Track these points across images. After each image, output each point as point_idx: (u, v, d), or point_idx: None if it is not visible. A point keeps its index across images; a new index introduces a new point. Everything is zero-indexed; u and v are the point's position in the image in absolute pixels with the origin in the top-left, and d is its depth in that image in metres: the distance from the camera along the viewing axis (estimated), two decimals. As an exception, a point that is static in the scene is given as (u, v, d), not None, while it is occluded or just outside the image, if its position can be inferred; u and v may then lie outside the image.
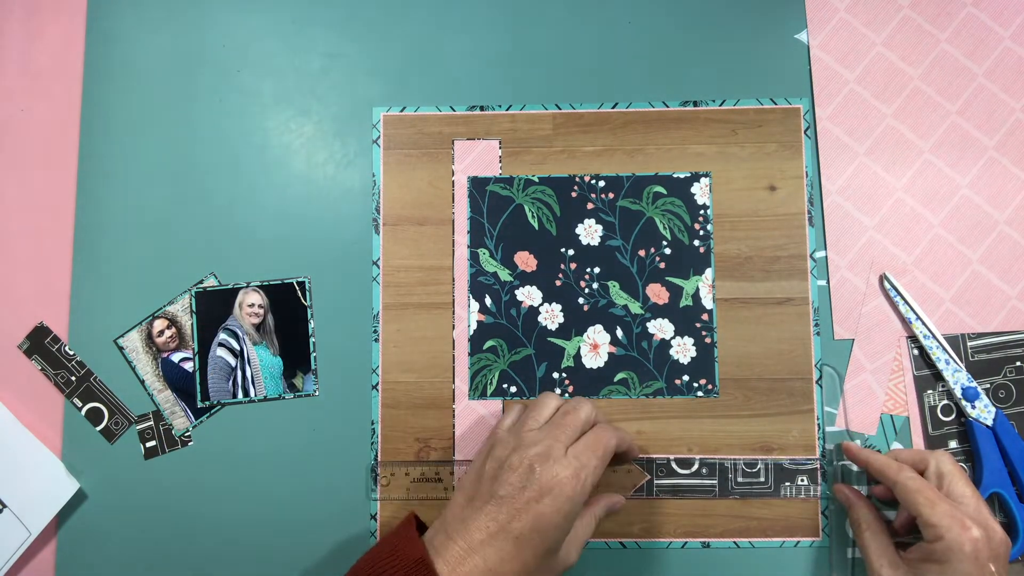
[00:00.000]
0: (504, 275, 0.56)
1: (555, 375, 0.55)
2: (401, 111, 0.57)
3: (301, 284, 0.55)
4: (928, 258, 0.55)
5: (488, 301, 0.56)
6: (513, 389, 0.55)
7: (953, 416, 0.54)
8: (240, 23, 0.58)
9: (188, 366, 0.55)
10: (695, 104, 0.57)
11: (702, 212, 0.56)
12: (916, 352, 0.54)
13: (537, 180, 0.56)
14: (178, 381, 0.55)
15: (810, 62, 0.57)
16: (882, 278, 0.55)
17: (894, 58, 0.57)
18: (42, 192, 0.57)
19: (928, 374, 0.54)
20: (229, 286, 0.54)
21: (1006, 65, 0.57)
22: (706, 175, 0.56)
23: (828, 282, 0.55)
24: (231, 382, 0.54)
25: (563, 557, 0.45)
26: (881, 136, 0.56)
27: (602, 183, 0.56)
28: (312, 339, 0.55)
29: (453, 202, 0.56)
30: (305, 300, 0.54)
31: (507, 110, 0.57)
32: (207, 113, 0.58)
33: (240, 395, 0.54)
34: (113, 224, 0.56)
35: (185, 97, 0.58)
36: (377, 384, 0.55)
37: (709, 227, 0.56)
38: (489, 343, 0.55)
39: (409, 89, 0.58)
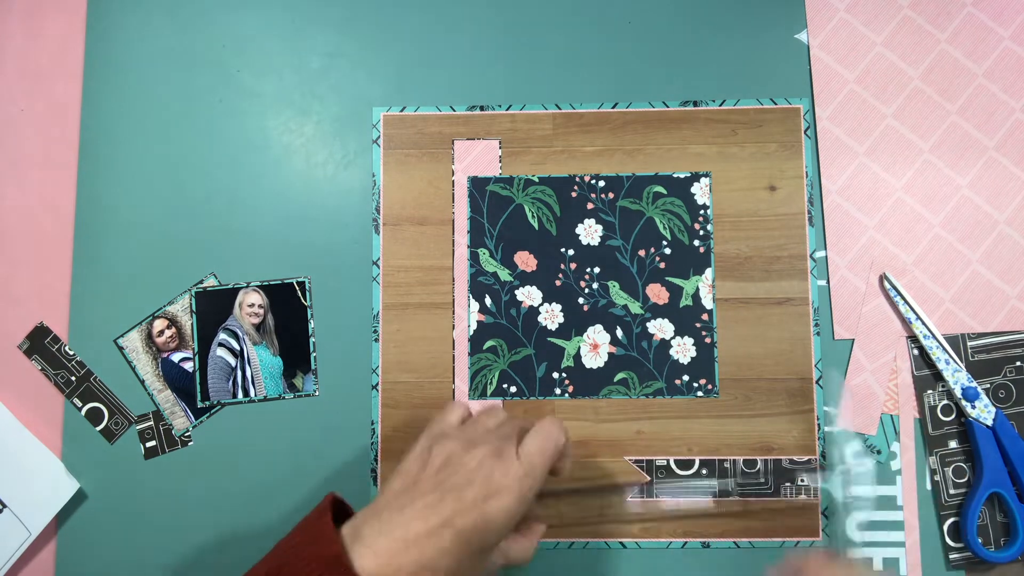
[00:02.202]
0: (504, 275, 0.56)
1: (555, 375, 0.55)
2: (401, 111, 0.57)
3: (301, 284, 0.55)
4: (928, 258, 0.55)
5: (488, 301, 0.56)
6: (513, 389, 0.55)
7: (953, 416, 0.54)
8: (240, 23, 0.58)
9: (188, 366, 0.55)
10: (695, 104, 0.57)
11: (702, 212, 0.56)
12: (916, 352, 0.54)
13: (537, 180, 0.56)
14: (178, 381, 0.55)
15: (810, 62, 0.57)
16: (882, 278, 0.55)
17: (894, 58, 0.57)
18: (42, 192, 0.57)
19: (928, 374, 0.54)
20: (229, 286, 0.54)
21: (1006, 65, 0.57)
22: (706, 175, 0.56)
23: (828, 282, 0.55)
24: (231, 382, 0.54)
25: (495, 558, 0.43)
26: (881, 136, 0.56)
27: (602, 183, 0.56)
28: (312, 339, 0.55)
29: (453, 202, 0.56)
30: (305, 300, 0.54)
31: (507, 110, 0.57)
32: (207, 113, 0.58)
33: (240, 395, 0.54)
34: (113, 224, 0.56)
35: (185, 97, 0.58)
36: (377, 384, 0.55)
37: (709, 227, 0.56)
38: (489, 343, 0.55)
39: (409, 89, 0.58)
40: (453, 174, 0.57)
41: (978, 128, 0.56)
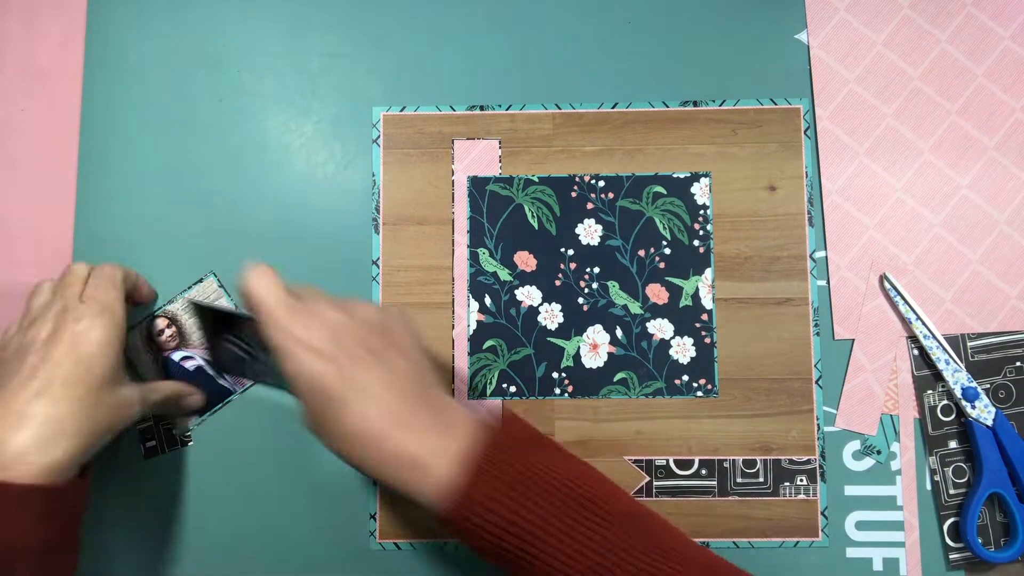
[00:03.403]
0: (504, 275, 0.56)
1: (555, 375, 0.55)
2: (401, 111, 0.57)
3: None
4: (928, 258, 0.55)
5: (488, 301, 0.56)
6: (512, 389, 0.55)
7: (953, 416, 0.54)
8: (240, 23, 0.58)
9: (189, 365, 0.55)
10: (695, 104, 0.57)
11: (702, 212, 0.56)
12: (916, 352, 0.54)
13: (537, 180, 0.56)
14: (179, 379, 0.55)
15: (810, 62, 0.57)
16: (882, 278, 0.55)
17: (894, 58, 0.57)
18: (42, 192, 0.57)
19: (928, 374, 0.54)
20: (219, 301, 0.54)
21: (1006, 65, 0.57)
22: (706, 175, 0.56)
23: (828, 282, 0.55)
24: (241, 370, 0.54)
25: (127, 396, 0.46)
26: (881, 136, 0.56)
27: (602, 183, 0.56)
28: None
29: (453, 202, 0.56)
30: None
31: (507, 110, 0.57)
32: (207, 113, 0.58)
33: (247, 383, 0.55)
34: (113, 224, 0.56)
35: (185, 97, 0.58)
36: (377, 384, 0.55)
37: (709, 227, 0.56)
38: (489, 343, 0.55)
39: (409, 89, 0.58)
40: (453, 174, 0.57)
41: (978, 128, 0.56)
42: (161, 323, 0.55)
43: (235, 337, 0.51)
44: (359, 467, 0.40)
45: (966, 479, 0.54)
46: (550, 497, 0.38)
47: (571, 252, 0.56)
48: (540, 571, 0.37)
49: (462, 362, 0.55)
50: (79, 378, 0.43)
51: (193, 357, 0.55)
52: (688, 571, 0.37)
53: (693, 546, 0.40)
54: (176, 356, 0.55)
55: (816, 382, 0.54)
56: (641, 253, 0.56)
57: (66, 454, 0.41)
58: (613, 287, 0.56)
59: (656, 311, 0.55)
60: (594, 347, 0.55)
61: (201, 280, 0.54)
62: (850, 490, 0.54)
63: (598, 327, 0.55)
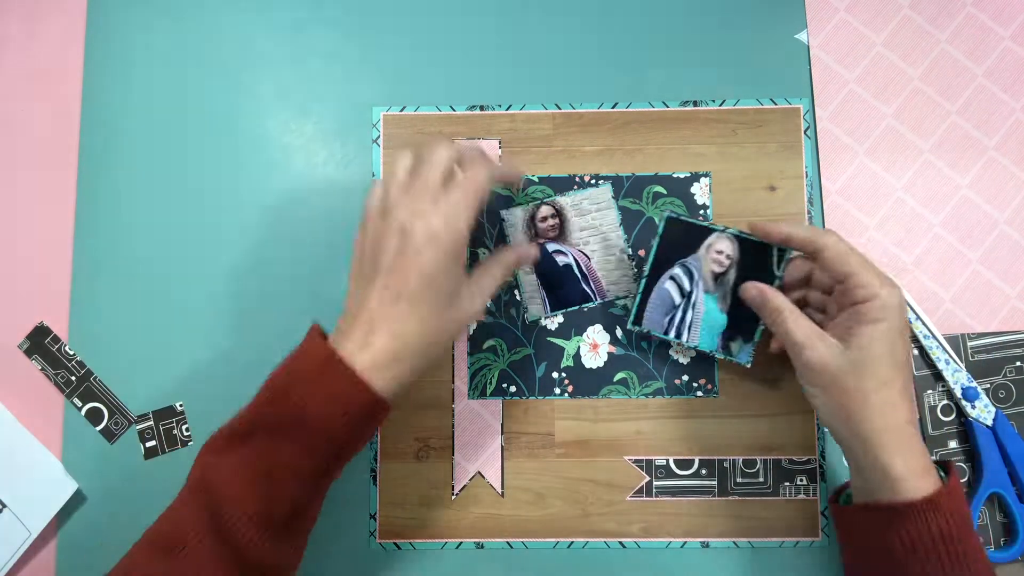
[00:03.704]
0: (504, 275, 0.56)
1: (555, 375, 0.55)
2: (401, 111, 0.57)
3: (781, 252, 0.51)
4: (928, 258, 0.55)
5: (490, 303, 0.56)
6: (512, 388, 0.55)
7: (953, 416, 0.54)
8: (240, 23, 0.58)
9: (560, 260, 0.54)
10: (695, 104, 0.57)
11: (702, 212, 0.56)
12: (916, 352, 0.54)
13: (537, 180, 0.56)
14: (545, 269, 0.55)
15: (810, 62, 0.57)
16: (882, 278, 0.55)
17: (894, 58, 0.57)
18: (42, 192, 0.57)
19: (928, 374, 0.54)
20: (706, 224, 0.52)
21: (1006, 65, 0.57)
22: (706, 175, 0.56)
23: (828, 282, 0.55)
24: (668, 318, 0.53)
25: (465, 306, 0.45)
26: (881, 136, 0.56)
27: (602, 183, 0.56)
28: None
29: (453, 202, 0.56)
30: (777, 270, 0.51)
31: (507, 110, 0.57)
32: (207, 113, 0.58)
33: (672, 334, 0.53)
34: (113, 224, 0.56)
35: (185, 97, 0.58)
36: (377, 384, 0.55)
37: (709, 227, 0.56)
38: (489, 342, 0.55)
39: (409, 89, 0.58)
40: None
41: (978, 128, 0.56)
42: (547, 210, 0.55)
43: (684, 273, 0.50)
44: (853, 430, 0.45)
45: (966, 479, 0.54)
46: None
47: (571, 252, 0.56)
48: None
49: (462, 362, 0.55)
50: (424, 296, 0.43)
51: (566, 254, 0.54)
52: None
53: None
54: (551, 247, 0.55)
55: (816, 382, 0.54)
56: (641, 253, 0.56)
57: (409, 368, 0.43)
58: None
59: (656, 311, 0.55)
60: (594, 347, 0.55)
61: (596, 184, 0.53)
62: (850, 490, 0.54)
63: (598, 327, 0.55)
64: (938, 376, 0.54)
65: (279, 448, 0.42)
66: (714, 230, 0.52)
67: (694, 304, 0.52)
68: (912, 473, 0.43)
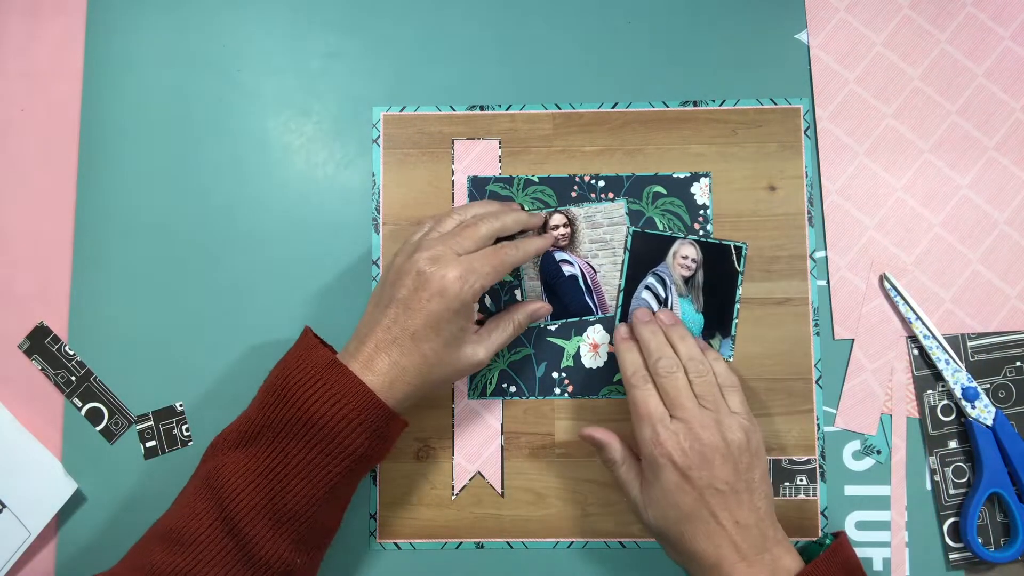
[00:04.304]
0: (504, 275, 0.56)
1: (555, 375, 0.55)
2: (401, 111, 0.57)
3: (738, 249, 0.54)
4: (928, 258, 0.55)
5: (488, 301, 0.56)
6: (512, 388, 0.55)
7: (953, 416, 0.54)
8: (240, 23, 0.58)
9: (566, 269, 0.54)
10: (695, 104, 0.57)
11: (702, 212, 0.56)
12: (916, 352, 0.54)
13: (537, 180, 0.56)
14: (550, 277, 0.55)
15: (810, 62, 0.57)
16: (882, 278, 0.55)
17: (894, 58, 0.57)
18: (42, 192, 0.57)
19: (928, 374, 0.54)
20: (667, 233, 0.54)
21: (1006, 65, 0.57)
22: (706, 175, 0.56)
23: (828, 282, 0.55)
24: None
25: (469, 354, 0.48)
26: (881, 136, 0.56)
27: (602, 183, 0.56)
28: (737, 305, 0.54)
29: (453, 202, 0.56)
30: (738, 266, 0.54)
31: (507, 110, 0.57)
32: (207, 113, 0.58)
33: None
34: (113, 224, 0.56)
35: (185, 97, 0.58)
36: (377, 384, 0.55)
37: (709, 227, 0.56)
38: (489, 343, 0.55)
39: (409, 89, 0.58)
40: (453, 174, 0.57)
41: (978, 128, 0.56)
42: (559, 219, 0.55)
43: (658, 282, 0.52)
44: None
45: (966, 479, 0.54)
46: None
47: (571, 252, 0.56)
48: None
49: (462, 362, 0.55)
50: (427, 336, 0.45)
51: (573, 264, 0.55)
52: None
53: None
54: (558, 255, 0.55)
55: (816, 382, 0.54)
56: (641, 253, 0.56)
57: (402, 395, 0.46)
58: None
59: (656, 311, 0.55)
60: (594, 347, 0.55)
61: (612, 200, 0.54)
62: (850, 490, 0.54)
63: (598, 327, 0.55)
64: (938, 376, 0.54)
65: (286, 448, 0.43)
66: (676, 238, 0.54)
67: (671, 309, 0.54)
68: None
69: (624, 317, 0.55)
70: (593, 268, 0.55)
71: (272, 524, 0.43)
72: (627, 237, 0.55)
